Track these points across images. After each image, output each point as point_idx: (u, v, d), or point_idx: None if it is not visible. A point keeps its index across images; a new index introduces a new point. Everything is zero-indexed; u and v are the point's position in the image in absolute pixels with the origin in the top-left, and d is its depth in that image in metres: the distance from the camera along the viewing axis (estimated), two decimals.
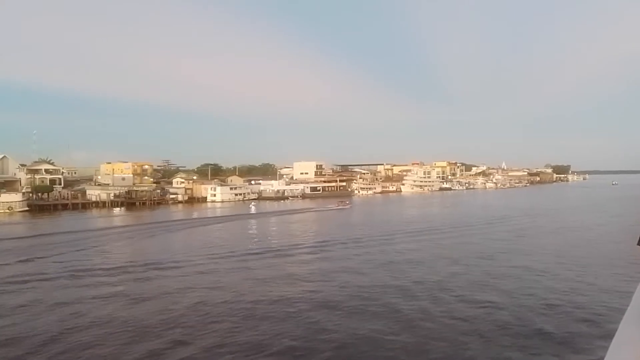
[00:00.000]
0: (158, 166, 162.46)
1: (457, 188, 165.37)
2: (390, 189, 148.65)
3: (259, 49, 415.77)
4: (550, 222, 53.40)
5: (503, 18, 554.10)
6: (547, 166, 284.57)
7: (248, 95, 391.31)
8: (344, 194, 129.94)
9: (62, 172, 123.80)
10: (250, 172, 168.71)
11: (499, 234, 43.30)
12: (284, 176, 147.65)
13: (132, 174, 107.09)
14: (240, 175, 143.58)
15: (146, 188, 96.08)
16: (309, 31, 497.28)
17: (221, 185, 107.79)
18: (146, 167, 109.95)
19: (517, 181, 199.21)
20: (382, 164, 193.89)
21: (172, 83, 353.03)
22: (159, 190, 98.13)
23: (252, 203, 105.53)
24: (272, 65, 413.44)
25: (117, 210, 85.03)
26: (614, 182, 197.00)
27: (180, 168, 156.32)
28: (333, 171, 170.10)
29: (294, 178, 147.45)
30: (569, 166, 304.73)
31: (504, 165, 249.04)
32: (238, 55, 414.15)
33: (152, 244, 40.67)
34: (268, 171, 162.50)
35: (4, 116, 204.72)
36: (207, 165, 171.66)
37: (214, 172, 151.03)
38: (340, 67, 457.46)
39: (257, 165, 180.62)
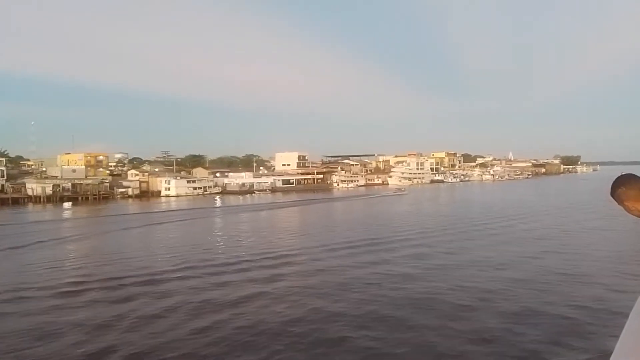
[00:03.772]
0: (157, 157, 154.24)
1: (450, 180, 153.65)
2: (376, 181, 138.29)
3: (269, 46, 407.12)
4: (514, 229, 43.12)
5: (518, 3, 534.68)
6: (555, 157, 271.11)
7: (256, 86, 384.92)
8: (321, 188, 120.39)
9: (30, 165, 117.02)
10: (231, 164, 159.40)
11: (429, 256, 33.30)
12: (261, 168, 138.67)
13: (85, 165, 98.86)
14: (218, 167, 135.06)
15: (90, 181, 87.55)
16: (314, 25, 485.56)
17: (178, 178, 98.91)
18: (101, 158, 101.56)
19: (517, 173, 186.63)
20: (374, 154, 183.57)
21: (182, 75, 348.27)
22: (106, 184, 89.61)
23: (217, 197, 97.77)
24: (280, 55, 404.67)
25: (50, 205, 76.94)
26: (622, 174, 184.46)
27: (178, 159, 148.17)
28: (322, 162, 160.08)
29: (276, 170, 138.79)
30: (579, 157, 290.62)
31: (510, 156, 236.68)
32: (250, 51, 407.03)
33: None
34: (251, 163, 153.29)
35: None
36: (194, 156, 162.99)
37: (197, 164, 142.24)
38: (355, 60, 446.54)
39: (239, 156, 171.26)
